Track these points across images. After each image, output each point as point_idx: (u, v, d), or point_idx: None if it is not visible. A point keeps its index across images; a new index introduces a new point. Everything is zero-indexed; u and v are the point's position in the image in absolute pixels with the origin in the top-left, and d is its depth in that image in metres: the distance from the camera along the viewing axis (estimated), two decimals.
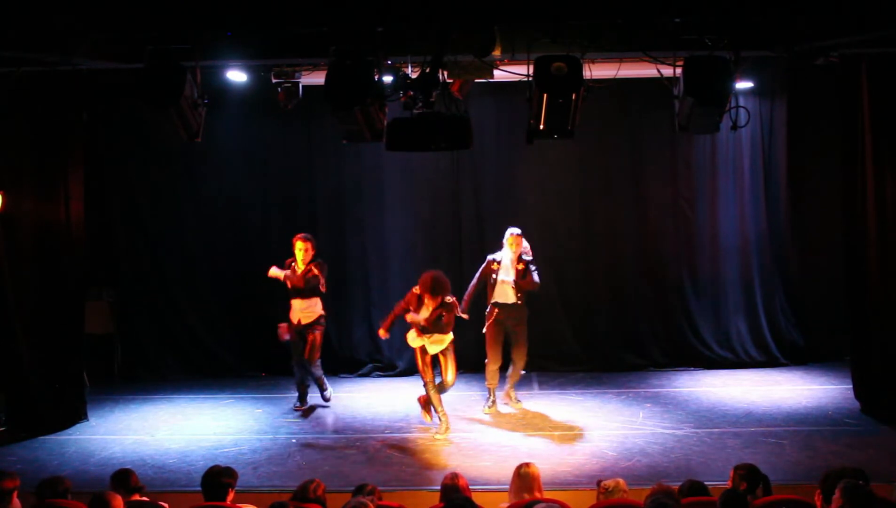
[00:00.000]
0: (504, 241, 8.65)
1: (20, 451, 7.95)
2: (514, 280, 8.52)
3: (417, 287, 7.97)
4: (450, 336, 8.02)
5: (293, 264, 8.80)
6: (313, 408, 9.02)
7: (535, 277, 8.51)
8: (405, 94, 6.96)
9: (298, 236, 8.82)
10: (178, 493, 6.58)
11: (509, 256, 8.58)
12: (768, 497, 5.16)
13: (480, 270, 8.73)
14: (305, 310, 8.79)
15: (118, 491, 5.33)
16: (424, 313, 7.89)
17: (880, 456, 7.26)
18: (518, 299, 8.59)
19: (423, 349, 8.00)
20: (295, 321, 8.81)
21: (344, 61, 6.69)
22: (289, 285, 8.79)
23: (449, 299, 7.90)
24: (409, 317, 7.93)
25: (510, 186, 10.45)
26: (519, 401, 8.91)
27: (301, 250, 8.72)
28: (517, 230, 8.64)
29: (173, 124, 7.01)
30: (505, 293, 8.60)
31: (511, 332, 8.74)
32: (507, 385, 8.90)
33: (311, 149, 10.49)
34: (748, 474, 5.30)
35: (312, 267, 8.67)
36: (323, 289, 8.73)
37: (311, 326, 8.80)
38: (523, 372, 8.97)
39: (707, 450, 7.56)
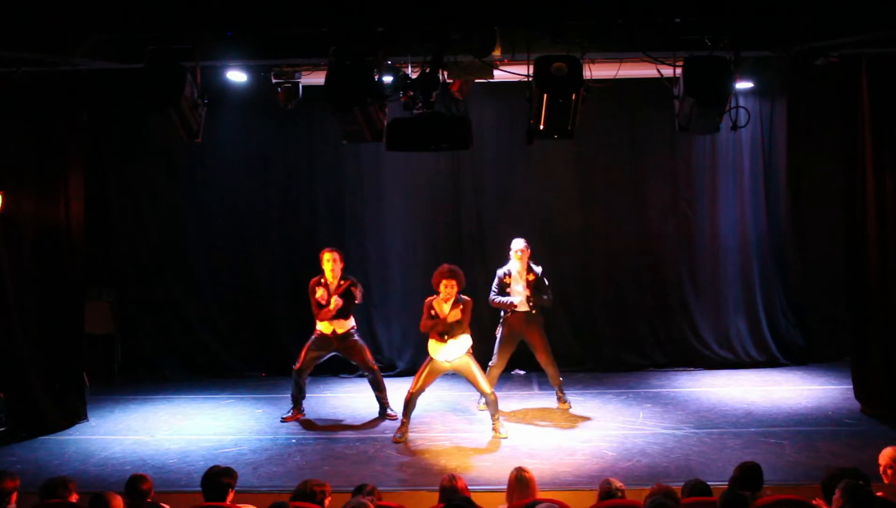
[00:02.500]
0: (511, 253, 8.65)
1: (20, 451, 7.95)
2: (527, 294, 8.54)
3: (431, 297, 7.98)
4: (467, 343, 7.98)
5: (322, 279, 8.43)
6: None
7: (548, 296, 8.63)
8: (405, 94, 6.96)
9: (325, 249, 8.50)
10: (178, 493, 6.59)
11: (517, 267, 8.60)
12: (768, 497, 5.16)
13: (496, 286, 8.65)
14: (337, 324, 8.49)
15: (130, 496, 5.34)
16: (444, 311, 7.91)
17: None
18: (531, 308, 8.61)
19: (435, 360, 7.98)
20: (329, 332, 8.49)
21: (344, 61, 6.68)
22: (323, 302, 8.38)
23: (465, 297, 7.94)
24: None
25: (510, 186, 10.45)
26: (567, 402, 8.87)
27: (329, 260, 8.39)
28: (523, 243, 8.64)
29: (173, 124, 7.01)
30: (519, 303, 8.60)
31: (528, 342, 8.74)
32: (556, 391, 8.90)
33: (311, 149, 10.49)
34: (745, 473, 5.31)
35: (348, 287, 8.41)
36: (358, 300, 8.54)
37: (346, 336, 8.51)
38: (522, 372, 8.97)
39: (707, 450, 7.56)
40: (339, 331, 8.50)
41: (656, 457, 7.41)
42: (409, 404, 8.06)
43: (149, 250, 10.59)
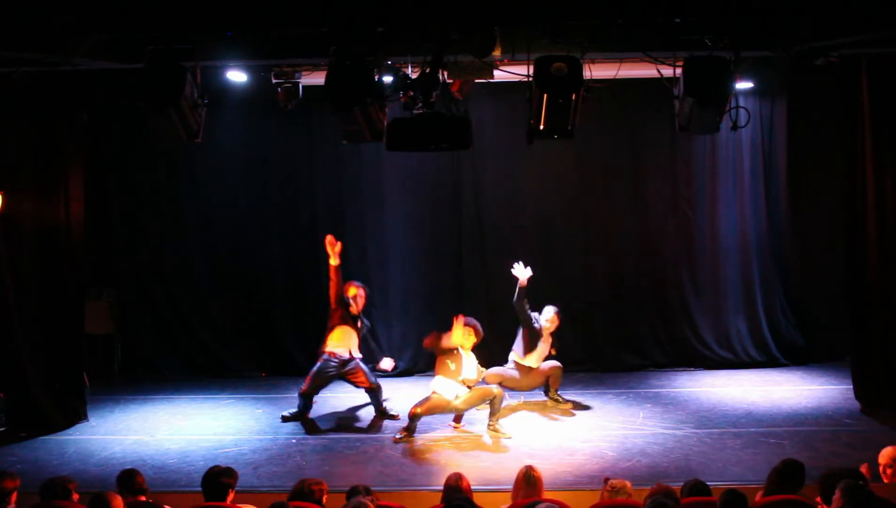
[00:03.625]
0: (544, 319, 8.82)
1: (20, 451, 7.95)
2: (544, 355, 8.84)
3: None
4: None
5: (351, 307, 8.67)
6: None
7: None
8: (405, 94, 6.96)
9: (356, 285, 8.77)
10: (178, 493, 6.59)
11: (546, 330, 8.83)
12: (769, 497, 5.16)
13: (534, 328, 8.78)
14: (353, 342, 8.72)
15: (122, 493, 5.34)
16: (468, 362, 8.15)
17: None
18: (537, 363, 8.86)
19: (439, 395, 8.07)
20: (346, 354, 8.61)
21: (344, 61, 6.68)
22: (349, 311, 8.65)
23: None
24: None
25: (510, 187, 10.45)
26: (566, 401, 8.98)
27: (361, 298, 8.75)
28: (553, 312, 8.88)
29: (173, 124, 7.01)
30: (531, 359, 8.81)
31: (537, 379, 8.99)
32: (551, 391, 9.01)
33: (312, 149, 10.49)
34: (788, 468, 5.32)
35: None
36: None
37: (348, 361, 8.65)
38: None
39: (707, 450, 7.56)
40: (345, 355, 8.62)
41: (656, 457, 7.41)
42: (415, 418, 8.03)
43: (149, 250, 10.59)
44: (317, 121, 10.03)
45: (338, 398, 9.45)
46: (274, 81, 8.13)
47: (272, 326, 10.48)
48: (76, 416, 8.64)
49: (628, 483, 5.36)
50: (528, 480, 5.41)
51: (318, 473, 6.97)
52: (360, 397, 9.43)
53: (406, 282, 10.49)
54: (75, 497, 5.43)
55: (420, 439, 8.03)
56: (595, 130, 9.74)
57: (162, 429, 8.47)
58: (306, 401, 8.59)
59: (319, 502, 5.38)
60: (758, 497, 5.16)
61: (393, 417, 8.60)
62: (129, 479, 5.58)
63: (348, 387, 9.72)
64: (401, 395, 9.45)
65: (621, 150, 10.43)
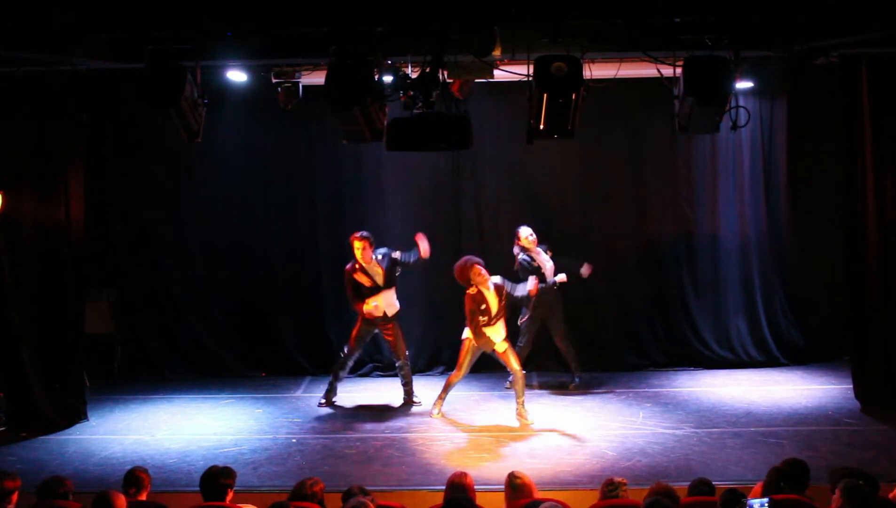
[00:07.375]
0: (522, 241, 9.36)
1: (20, 451, 7.96)
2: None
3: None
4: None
5: (357, 264, 8.81)
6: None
7: None
8: (405, 94, 6.96)
9: (353, 236, 8.82)
10: (178, 493, 6.59)
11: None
12: (779, 495, 5.15)
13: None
14: (391, 303, 8.91)
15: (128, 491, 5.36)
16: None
17: (880, 456, 7.26)
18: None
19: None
20: (380, 314, 8.83)
21: (344, 61, 6.69)
22: (368, 285, 8.82)
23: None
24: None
25: (510, 186, 10.45)
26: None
27: (359, 249, 8.75)
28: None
29: (173, 124, 7.01)
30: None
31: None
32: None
33: (311, 149, 10.48)
34: (792, 469, 5.29)
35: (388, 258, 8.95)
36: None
37: (394, 318, 8.96)
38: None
39: (707, 450, 7.57)
40: (390, 313, 8.90)
41: (656, 457, 7.41)
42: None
43: (149, 249, 10.58)
44: (317, 121, 10.02)
45: (338, 397, 9.45)
46: (274, 81, 8.13)
47: (272, 326, 10.48)
48: (76, 416, 8.64)
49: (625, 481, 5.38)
50: (513, 488, 5.37)
51: (318, 473, 6.95)
52: (362, 396, 9.45)
53: (406, 281, 10.44)
54: (71, 497, 5.43)
55: (420, 438, 8.04)
56: (595, 130, 9.73)
57: (162, 429, 8.47)
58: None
59: (321, 502, 5.37)
60: (751, 493, 5.16)
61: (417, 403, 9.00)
62: (131, 477, 5.58)
63: (350, 386, 9.74)
64: (400, 394, 9.45)
65: (621, 150, 10.42)
